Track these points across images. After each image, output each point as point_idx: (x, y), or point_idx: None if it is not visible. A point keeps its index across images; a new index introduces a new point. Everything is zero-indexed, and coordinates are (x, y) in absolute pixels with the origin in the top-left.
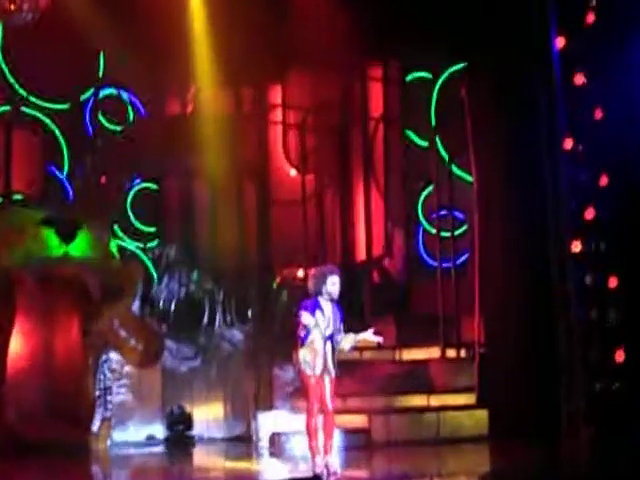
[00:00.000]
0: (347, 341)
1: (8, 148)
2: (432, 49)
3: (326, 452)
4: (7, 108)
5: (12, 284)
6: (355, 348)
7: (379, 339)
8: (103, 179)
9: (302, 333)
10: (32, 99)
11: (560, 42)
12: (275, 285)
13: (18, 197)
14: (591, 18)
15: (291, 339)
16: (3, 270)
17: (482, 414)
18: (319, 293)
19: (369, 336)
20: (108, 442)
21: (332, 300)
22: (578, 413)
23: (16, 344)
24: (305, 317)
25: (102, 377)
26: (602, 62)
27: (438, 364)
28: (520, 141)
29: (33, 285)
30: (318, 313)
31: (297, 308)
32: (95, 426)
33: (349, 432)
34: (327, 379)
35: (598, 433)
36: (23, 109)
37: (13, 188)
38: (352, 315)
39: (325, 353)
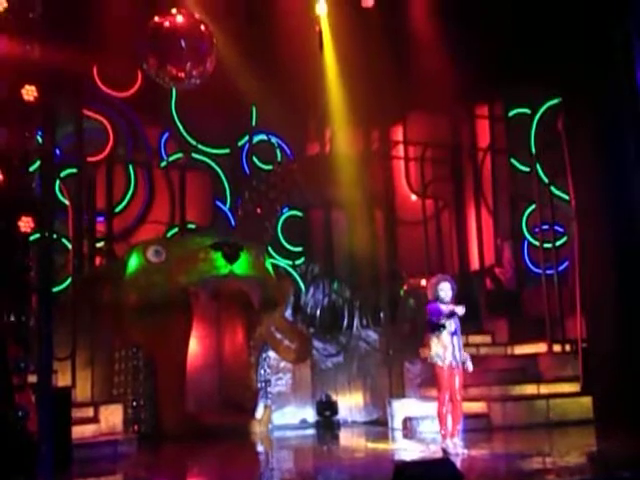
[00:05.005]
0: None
1: (182, 187)
2: (530, 89)
3: (453, 435)
4: (181, 155)
5: (189, 298)
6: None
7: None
8: (259, 209)
9: (435, 331)
10: (200, 146)
11: None
12: (402, 292)
13: (191, 226)
14: None
15: (418, 338)
16: (181, 287)
17: (587, 400)
18: (435, 298)
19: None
20: (269, 425)
21: (446, 303)
22: None
23: (194, 346)
24: (443, 321)
25: (263, 371)
26: None
27: (546, 357)
28: (611, 165)
29: (206, 299)
30: None
31: (426, 311)
32: (258, 412)
33: (471, 417)
34: (457, 371)
35: None
36: (193, 155)
37: (187, 219)
38: (470, 317)
39: (453, 346)
